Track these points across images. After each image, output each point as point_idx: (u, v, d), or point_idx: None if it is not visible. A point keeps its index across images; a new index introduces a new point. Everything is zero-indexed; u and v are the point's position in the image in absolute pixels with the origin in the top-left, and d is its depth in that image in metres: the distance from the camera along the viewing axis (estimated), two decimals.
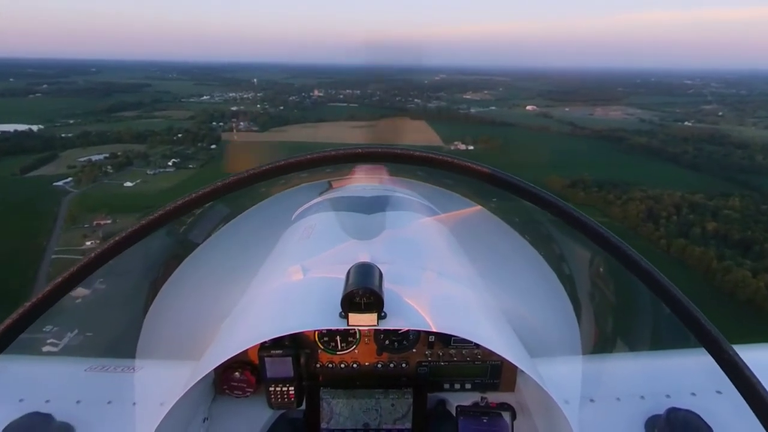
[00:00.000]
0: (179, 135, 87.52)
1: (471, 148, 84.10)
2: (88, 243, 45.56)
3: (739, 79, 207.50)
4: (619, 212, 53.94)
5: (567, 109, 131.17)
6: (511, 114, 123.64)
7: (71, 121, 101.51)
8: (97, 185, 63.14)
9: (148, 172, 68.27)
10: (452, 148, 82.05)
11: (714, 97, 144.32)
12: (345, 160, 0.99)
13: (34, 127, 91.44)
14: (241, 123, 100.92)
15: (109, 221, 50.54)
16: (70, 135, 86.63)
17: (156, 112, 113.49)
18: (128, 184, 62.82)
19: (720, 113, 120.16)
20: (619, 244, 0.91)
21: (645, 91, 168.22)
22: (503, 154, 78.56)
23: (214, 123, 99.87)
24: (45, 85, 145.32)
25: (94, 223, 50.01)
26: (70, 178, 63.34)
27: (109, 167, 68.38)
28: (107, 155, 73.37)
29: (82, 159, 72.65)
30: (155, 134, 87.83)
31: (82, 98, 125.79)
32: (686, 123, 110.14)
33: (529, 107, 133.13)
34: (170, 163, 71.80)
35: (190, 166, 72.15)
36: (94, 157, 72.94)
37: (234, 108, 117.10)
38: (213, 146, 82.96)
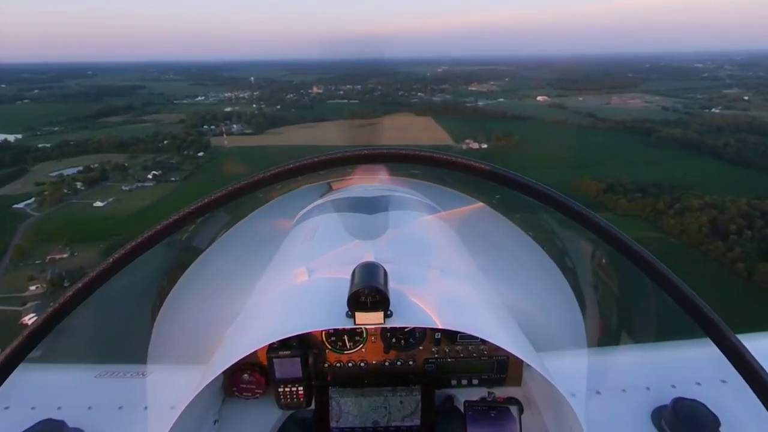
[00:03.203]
0: (165, 141, 77.74)
1: (485, 146, 73.66)
2: (33, 287, 36.07)
3: (749, 60, 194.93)
4: (675, 225, 43.50)
5: (581, 98, 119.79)
6: (522, 106, 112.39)
7: (56, 128, 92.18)
8: (63, 206, 53.61)
9: (123, 188, 58.63)
10: (464, 147, 71.77)
11: (732, 80, 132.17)
12: (354, 161, 0.98)
13: (11, 137, 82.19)
14: (234, 126, 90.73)
15: (65, 255, 41.09)
16: (48, 145, 77.17)
17: (145, 116, 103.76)
18: (98, 204, 53.20)
19: (746, 98, 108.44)
20: (621, 236, 0.90)
21: (657, 76, 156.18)
22: (522, 154, 68.21)
23: (204, 126, 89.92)
24: (36, 91, 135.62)
25: (48, 258, 40.55)
26: (32, 199, 53.89)
27: (80, 183, 58.81)
28: (81, 169, 63.78)
29: (53, 174, 63.31)
30: (139, 141, 78.02)
31: (71, 103, 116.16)
32: (714, 110, 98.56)
33: (540, 98, 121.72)
34: (150, 176, 62.13)
35: (172, 179, 62.46)
36: (67, 171, 63.52)
37: (228, 109, 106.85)
38: (200, 154, 73.20)
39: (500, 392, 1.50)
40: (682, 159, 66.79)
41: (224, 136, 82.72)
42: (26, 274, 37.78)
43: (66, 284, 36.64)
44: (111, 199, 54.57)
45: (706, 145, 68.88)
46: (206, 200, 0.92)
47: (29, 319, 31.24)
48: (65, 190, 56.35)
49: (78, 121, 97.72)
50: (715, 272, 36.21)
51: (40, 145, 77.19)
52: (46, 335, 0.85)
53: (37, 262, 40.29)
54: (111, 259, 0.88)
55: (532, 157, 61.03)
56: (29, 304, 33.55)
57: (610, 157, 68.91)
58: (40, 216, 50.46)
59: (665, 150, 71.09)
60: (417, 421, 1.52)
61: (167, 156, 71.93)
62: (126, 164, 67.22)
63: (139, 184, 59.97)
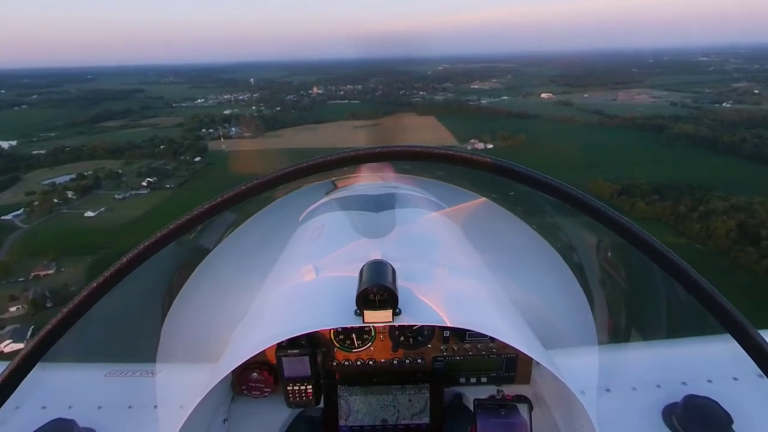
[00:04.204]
0: (162, 146, 74.94)
1: (490, 146, 70.49)
2: (13, 308, 33.15)
3: (754, 53, 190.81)
4: (700, 230, 40.28)
5: (586, 95, 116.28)
6: (527, 103, 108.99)
7: (52, 134, 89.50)
8: (53, 217, 50.86)
9: (116, 196, 55.82)
10: (469, 147, 68.74)
11: (740, 74, 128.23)
12: (366, 160, 0.97)
13: (6, 144, 79.58)
14: (232, 129, 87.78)
15: (50, 271, 38.34)
16: (42, 152, 74.51)
17: (143, 120, 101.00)
18: (89, 214, 50.42)
19: (756, 91, 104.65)
20: (639, 231, 0.85)
21: (662, 70, 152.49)
22: (530, 154, 64.94)
23: (203, 130, 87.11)
24: (35, 96, 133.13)
25: (32, 275, 37.81)
26: (21, 210, 51.15)
27: (71, 193, 56.00)
28: (74, 176, 61.01)
29: (45, 182, 60.59)
30: (134, 147, 75.29)
31: (69, 108, 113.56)
32: (724, 104, 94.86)
33: (544, 95, 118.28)
34: (144, 183, 59.32)
35: (167, 186, 59.57)
36: (59, 180, 60.78)
37: (227, 111, 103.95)
38: (197, 159, 70.37)
39: (509, 390, 1.48)
40: (698, 157, 63.42)
41: (222, 140, 79.79)
42: (7, 294, 34.93)
43: (48, 305, 34.16)
44: (102, 209, 51.77)
45: (721, 142, 65.39)
46: (219, 200, 0.91)
47: (5, 346, 28.64)
48: (55, 200, 53.56)
49: (74, 127, 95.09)
50: (749, 281, 33.02)
51: (34, 152, 74.60)
52: (61, 336, 0.86)
53: (20, 279, 37.52)
54: (125, 259, 0.88)
55: (540, 157, 57.86)
56: (7, 328, 30.82)
57: (622, 155, 65.64)
58: (28, 228, 47.78)
59: (679, 147, 67.72)
60: (426, 419, 1.50)
61: (163, 162, 69.22)
62: (120, 171, 64.60)
63: (133, 192, 57.19)
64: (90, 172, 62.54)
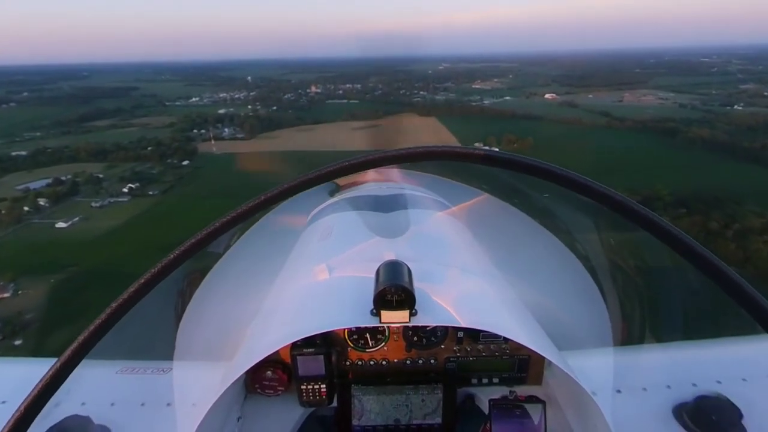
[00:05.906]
0: (149, 148, 69.65)
1: (496, 150, 65.27)
2: None
3: (756, 53, 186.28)
4: (735, 251, 35.40)
5: (591, 95, 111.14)
6: (531, 104, 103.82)
7: (37, 134, 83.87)
8: (22, 227, 45.64)
9: (93, 204, 50.48)
10: None
11: (745, 75, 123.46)
12: (398, 161, 0.93)
13: None
14: (225, 129, 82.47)
15: (7, 295, 33.17)
16: (24, 153, 69.09)
17: (134, 120, 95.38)
18: (61, 224, 45.24)
19: (766, 93, 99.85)
20: (688, 239, 0.74)
21: (666, 71, 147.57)
22: (538, 158, 59.93)
23: (194, 130, 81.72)
24: (25, 93, 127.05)
25: None
26: None
27: (43, 200, 50.71)
28: (50, 181, 55.71)
29: (20, 187, 55.29)
30: (120, 149, 69.86)
31: (60, 106, 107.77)
32: (736, 107, 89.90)
33: (548, 95, 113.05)
34: (125, 190, 54.01)
35: (150, 192, 54.24)
36: (34, 185, 55.46)
37: (221, 111, 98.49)
38: (185, 162, 65.07)
39: (521, 391, 1.47)
40: (719, 163, 58.43)
41: (212, 141, 74.46)
42: None
43: None
44: (76, 219, 46.50)
45: (741, 148, 60.48)
46: (251, 204, 0.89)
47: None
48: (26, 208, 48.28)
49: (61, 126, 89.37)
50: None
51: (13, 153, 69.14)
52: (101, 337, 0.85)
53: None
54: (166, 260, 0.86)
55: (550, 162, 52.87)
56: None
57: (637, 161, 60.68)
58: None
59: (696, 152, 62.73)
60: (438, 420, 1.49)
61: (149, 165, 63.88)
62: (101, 175, 59.09)
63: (112, 200, 51.81)
64: (68, 177, 57.20)
